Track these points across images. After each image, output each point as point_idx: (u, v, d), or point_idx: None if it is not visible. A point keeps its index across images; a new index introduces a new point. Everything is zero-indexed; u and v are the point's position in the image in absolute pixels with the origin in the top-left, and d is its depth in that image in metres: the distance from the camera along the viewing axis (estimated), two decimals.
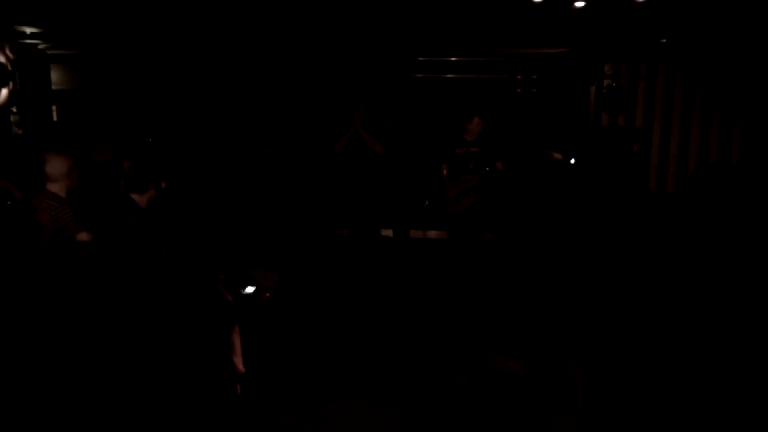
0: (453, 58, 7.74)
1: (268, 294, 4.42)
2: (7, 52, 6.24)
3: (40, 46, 6.76)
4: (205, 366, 2.92)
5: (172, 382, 2.86)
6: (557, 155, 5.62)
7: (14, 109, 6.57)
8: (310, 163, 7.97)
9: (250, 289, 4.20)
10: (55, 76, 7.51)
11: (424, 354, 4.96)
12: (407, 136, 8.02)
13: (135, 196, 4.22)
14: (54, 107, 7.57)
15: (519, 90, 7.91)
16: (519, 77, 7.87)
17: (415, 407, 4.20)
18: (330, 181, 7.17)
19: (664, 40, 6.45)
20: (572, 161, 7.14)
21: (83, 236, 3.93)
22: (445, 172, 6.23)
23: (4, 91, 6.20)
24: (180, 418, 2.85)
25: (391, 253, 7.05)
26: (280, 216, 7.62)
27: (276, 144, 8.01)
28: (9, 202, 3.43)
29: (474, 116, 6.12)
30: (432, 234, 8.02)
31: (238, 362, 3.19)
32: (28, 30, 6.03)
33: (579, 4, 4.52)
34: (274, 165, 7.82)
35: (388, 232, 7.23)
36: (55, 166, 4.03)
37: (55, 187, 4.02)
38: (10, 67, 6.30)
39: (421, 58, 7.66)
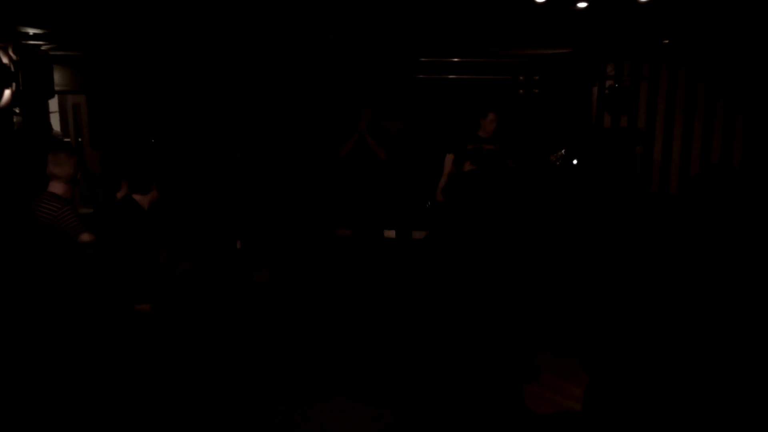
0: (455, 59, 7.74)
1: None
2: (10, 53, 6.25)
3: (43, 47, 6.77)
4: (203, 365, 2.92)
5: (171, 382, 2.86)
6: (553, 157, 5.65)
7: (17, 110, 6.58)
8: (314, 164, 7.98)
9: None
10: (57, 77, 7.52)
11: (417, 354, 4.93)
12: (409, 137, 8.02)
13: (137, 197, 4.23)
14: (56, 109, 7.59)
15: (521, 91, 7.90)
16: (521, 78, 7.87)
17: (401, 407, 4.14)
18: (333, 181, 7.17)
19: (667, 41, 6.44)
20: (575, 162, 7.13)
21: (85, 237, 3.93)
22: (449, 162, 6.18)
23: (7, 93, 6.21)
24: (178, 417, 2.85)
25: (394, 254, 7.05)
26: (282, 216, 7.62)
27: (278, 145, 8.03)
28: None
29: (489, 112, 6.02)
30: None
31: None
32: (31, 31, 6.04)
33: (581, 5, 4.52)
34: (276, 166, 7.83)
35: (390, 233, 7.22)
36: (58, 166, 4.03)
37: (57, 188, 4.02)
38: (12, 69, 6.31)
39: (423, 59, 7.65)
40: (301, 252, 7.13)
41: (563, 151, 6.85)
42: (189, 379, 2.90)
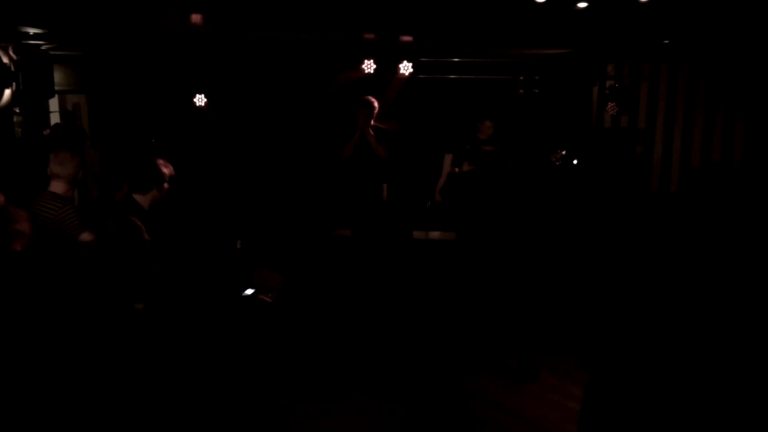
0: (455, 59, 7.73)
1: (269, 296, 4.42)
2: (10, 52, 6.25)
3: (43, 47, 6.77)
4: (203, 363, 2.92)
5: (170, 381, 2.87)
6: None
7: (17, 110, 6.57)
8: (313, 164, 7.98)
9: (248, 291, 4.21)
10: (58, 77, 7.51)
11: (427, 353, 4.95)
12: (410, 136, 8.01)
13: (137, 197, 4.22)
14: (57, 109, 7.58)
15: (521, 91, 7.89)
16: (521, 78, 7.86)
17: (414, 405, 4.18)
18: (333, 181, 7.17)
19: (667, 41, 6.44)
20: (575, 162, 7.13)
21: (86, 237, 3.93)
22: (448, 162, 6.24)
23: (7, 92, 6.21)
24: (177, 415, 2.85)
25: (394, 254, 7.05)
26: (284, 216, 7.62)
27: (277, 144, 8.03)
28: None
29: (486, 119, 6.18)
30: (434, 235, 8.01)
31: None
32: (32, 31, 6.04)
33: (581, 5, 4.51)
34: (276, 165, 7.83)
35: (389, 234, 7.21)
36: (60, 166, 4.03)
37: (58, 188, 4.02)
38: (12, 68, 6.30)
39: (423, 59, 7.64)
40: (301, 252, 7.13)
41: (563, 151, 6.86)
42: (208, 379, 2.91)
